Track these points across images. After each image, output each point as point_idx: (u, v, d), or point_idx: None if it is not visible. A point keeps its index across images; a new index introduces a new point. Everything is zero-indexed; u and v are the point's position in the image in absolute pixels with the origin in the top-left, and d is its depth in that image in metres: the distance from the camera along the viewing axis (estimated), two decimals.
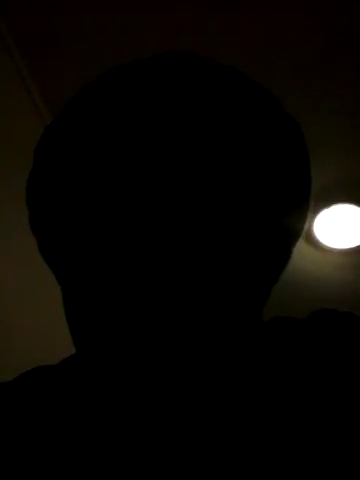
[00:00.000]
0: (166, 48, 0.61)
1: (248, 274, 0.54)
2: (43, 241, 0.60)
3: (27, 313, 1.42)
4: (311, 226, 2.07)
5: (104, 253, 0.53)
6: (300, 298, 1.99)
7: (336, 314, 0.59)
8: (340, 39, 1.61)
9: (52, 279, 0.61)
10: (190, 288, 0.52)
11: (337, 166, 1.91)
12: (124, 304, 0.52)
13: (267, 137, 0.56)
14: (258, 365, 0.56)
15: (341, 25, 1.58)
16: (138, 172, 0.53)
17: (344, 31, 1.59)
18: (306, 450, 0.51)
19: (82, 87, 0.59)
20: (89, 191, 0.54)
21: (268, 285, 0.58)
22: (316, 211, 2.04)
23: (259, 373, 0.55)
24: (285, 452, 0.50)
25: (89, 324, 0.54)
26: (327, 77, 1.68)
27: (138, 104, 0.55)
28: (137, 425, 0.53)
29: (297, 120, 0.61)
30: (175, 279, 0.51)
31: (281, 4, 1.55)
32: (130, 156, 0.53)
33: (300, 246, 2.17)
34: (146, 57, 0.60)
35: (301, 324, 0.59)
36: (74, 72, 1.57)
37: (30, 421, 0.56)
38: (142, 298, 0.51)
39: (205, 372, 0.54)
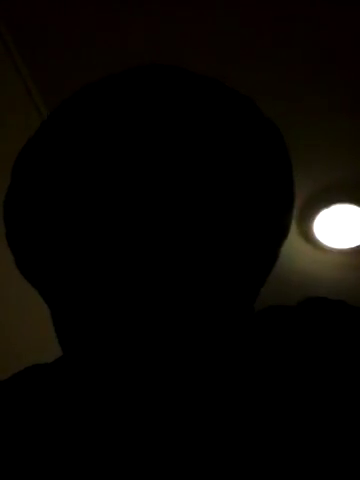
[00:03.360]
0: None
1: (239, 271, 0.55)
2: (24, 256, 0.59)
3: (27, 313, 1.42)
4: (311, 226, 2.07)
5: (91, 263, 0.53)
6: (300, 298, 1.99)
7: (328, 302, 0.60)
8: (340, 38, 1.61)
9: None
10: (182, 287, 0.52)
11: (337, 166, 1.92)
12: (117, 304, 0.52)
13: (247, 143, 0.57)
14: (252, 358, 0.57)
15: (341, 24, 1.59)
16: (119, 183, 0.53)
17: (344, 30, 1.60)
18: (304, 442, 0.51)
19: (62, 101, 0.60)
20: (71, 203, 0.54)
21: (258, 280, 0.59)
22: (316, 211, 2.04)
23: (254, 366, 0.56)
24: (282, 445, 0.51)
25: (80, 332, 0.55)
26: (327, 77, 1.68)
27: (120, 116, 0.56)
28: (134, 421, 0.54)
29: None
30: (166, 278, 0.52)
31: (281, 4, 1.55)
32: (112, 168, 0.54)
33: (300, 246, 2.18)
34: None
35: (293, 312, 0.60)
36: (74, 72, 1.57)
37: (26, 420, 0.57)
38: (135, 300, 0.52)
39: (200, 368, 0.55)
